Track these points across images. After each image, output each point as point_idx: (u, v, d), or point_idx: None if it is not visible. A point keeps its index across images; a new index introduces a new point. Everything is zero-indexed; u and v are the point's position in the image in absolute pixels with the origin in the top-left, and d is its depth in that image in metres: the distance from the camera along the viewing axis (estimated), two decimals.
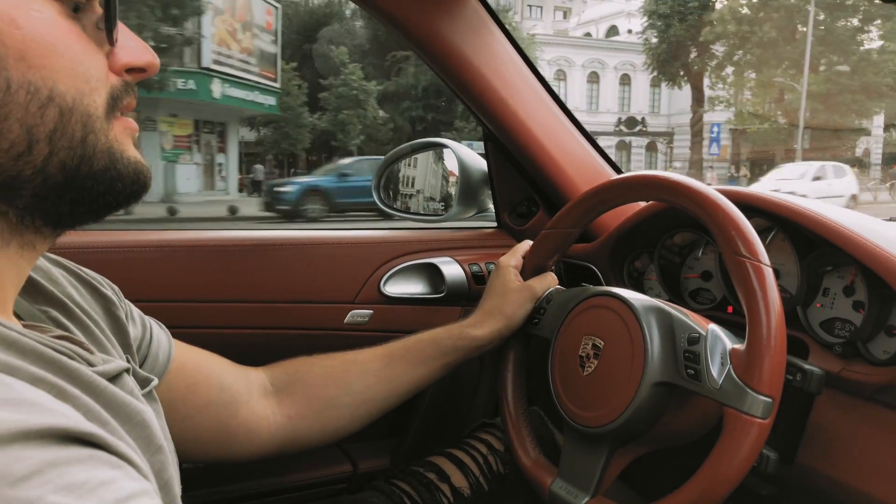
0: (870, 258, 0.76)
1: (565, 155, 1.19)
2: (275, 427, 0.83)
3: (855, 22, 28.17)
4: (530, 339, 0.97)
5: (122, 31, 0.48)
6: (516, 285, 0.94)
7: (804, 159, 24.21)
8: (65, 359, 0.43)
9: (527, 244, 1.00)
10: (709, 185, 0.81)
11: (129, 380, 0.52)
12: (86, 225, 0.49)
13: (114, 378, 0.49)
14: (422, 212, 1.38)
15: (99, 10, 0.47)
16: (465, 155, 1.30)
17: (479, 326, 0.92)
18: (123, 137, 0.48)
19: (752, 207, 0.88)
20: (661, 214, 1.03)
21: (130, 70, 0.49)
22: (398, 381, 0.90)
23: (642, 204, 1.09)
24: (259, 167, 24.09)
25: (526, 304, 0.94)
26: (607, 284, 1.11)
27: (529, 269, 0.96)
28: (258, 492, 1.15)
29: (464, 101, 1.16)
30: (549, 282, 0.96)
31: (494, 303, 0.94)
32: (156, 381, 0.60)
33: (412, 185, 1.40)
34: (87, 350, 0.49)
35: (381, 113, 25.40)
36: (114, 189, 0.47)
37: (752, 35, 27.36)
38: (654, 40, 30.77)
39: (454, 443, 1.01)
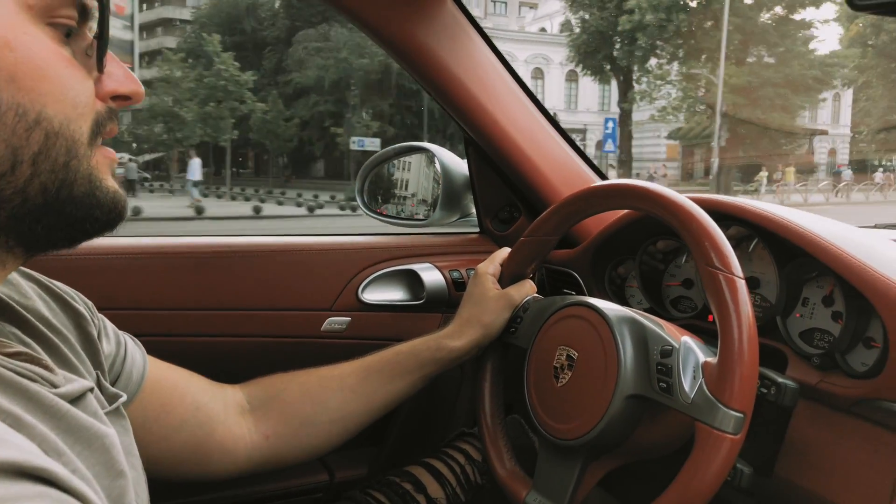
0: (845, 269, 0.76)
1: (546, 160, 1.18)
2: (252, 446, 0.83)
3: (779, 10, 27.05)
4: (508, 348, 0.96)
5: (110, 59, 0.49)
6: (494, 293, 0.93)
7: (720, 158, 23.42)
8: (26, 382, 0.43)
9: (504, 252, 0.99)
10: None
11: (93, 400, 0.51)
12: (58, 250, 0.50)
13: (77, 399, 0.48)
14: (405, 217, 1.37)
15: (89, 36, 0.48)
16: (447, 159, 1.29)
17: (457, 337, 0.91)
18: (103, 167, 0.49)
19: (728, 216, 0.88)
20: (642, 221, 1.02)
21: (116, 97, 0.50)
22: (376, 396, 0.89)
23: (624, 210, 1.10)
24: (132, 165, 23.25)
25: (504, 312, 0.93)
26: (589, 291, 1.11)
27: (507, 276, 0.96)
28: (233, 501, 1.13)
29: (443, 106, 1.14)
30: (526, 290, 0.95)
31: (472, 311, 0.93)
32: (124, 398, 0.59)
33: (403, 189, 1.39)
34: (49, 369, 0.48)
35: (260, 105, 24.46)
36: (91, 216, 0.48)
37: (668, 24, 26.04)
38: (577, 31, 29.28)
39: (432, 452, 1.00)
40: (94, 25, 0.48)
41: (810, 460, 0.78)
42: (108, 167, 0.50)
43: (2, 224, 0.44)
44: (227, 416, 0.81)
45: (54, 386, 0.46)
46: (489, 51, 1.14)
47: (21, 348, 0.49)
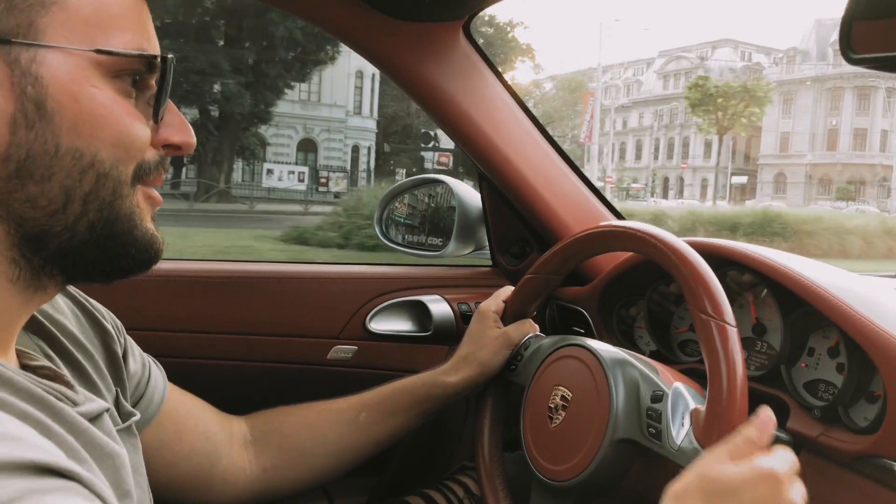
0: (846, 322, 0.74)
1: (558, 197, 1.19)
2: (251, 478, 0.84)
3: None
4: (510, 385, 0.96)
5: (170, 109, 0.52)
6: (493, 332, 0.94)
7: None
8: (52, 399, 0.46)
9: (508, 289, 0.99)
10: None
11: (108, 420, 0.54)
12: (94, 283, 0.52)
13: (94, 418, 0.51)
14: (420, 247, 1.38)
15: (153, 86, 0.50)
16: (462, 192, 1.30)
17: (453, 374, 0.92)
18: (145, 206, 0.52)
19: (729, 261, 0.87)
20: (651, 262, 1.01)
21: (167, 146, 0.53)
22: (373, 431, 0.90)
23: None
24: None
25: (502, 351, 0.93)
26: (597, 330, 1.10)
27: (510, 314, 0.96)
28: None
29: (456, 142, 1.16)
30: (526, 329, 0.95)
31: (470, 349, 0.94)
32: (137, 416, 0.61)
33: (419, 220, 1.40)
34: (69, 386, 0.51)
35: None
36: (127, 254, 0.51)
37: None
38: None
39: (432, 483, 1.00)
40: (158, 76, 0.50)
41: None
42: (149, 207, 0.53)
43: (50, 256, 0.47)
44: (231, 447, 0.83)
45: (75, 404, 0.49)
46: (501, 87, 1.16)
47: (45, 362, 0.52)
